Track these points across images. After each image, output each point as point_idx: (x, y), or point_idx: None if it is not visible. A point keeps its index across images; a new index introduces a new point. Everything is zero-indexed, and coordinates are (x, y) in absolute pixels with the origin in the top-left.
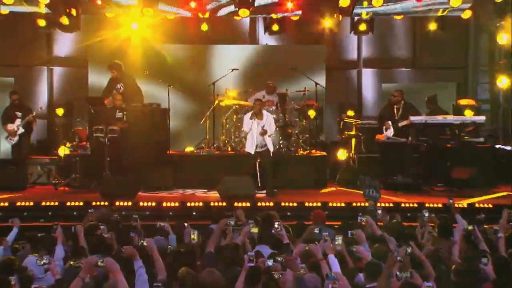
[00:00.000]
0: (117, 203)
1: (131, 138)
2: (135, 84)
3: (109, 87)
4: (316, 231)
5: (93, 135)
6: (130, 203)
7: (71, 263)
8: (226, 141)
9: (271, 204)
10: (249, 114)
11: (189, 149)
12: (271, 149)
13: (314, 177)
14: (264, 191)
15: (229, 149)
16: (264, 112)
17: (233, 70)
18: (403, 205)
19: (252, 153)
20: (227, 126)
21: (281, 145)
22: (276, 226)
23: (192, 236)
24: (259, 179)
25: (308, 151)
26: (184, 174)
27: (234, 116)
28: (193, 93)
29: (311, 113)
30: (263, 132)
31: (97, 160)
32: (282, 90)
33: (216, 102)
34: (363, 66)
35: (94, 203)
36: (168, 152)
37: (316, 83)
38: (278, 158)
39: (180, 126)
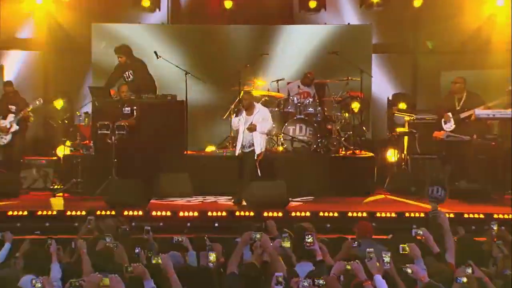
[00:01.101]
0: (125, 213)
1: (142, 136)
2: (147, 71)
3: (115, 75)
4: (355, 245)
5: (97, 132)
6: (141, 213)
7: (71, 281)
8: None
9: (307, 214)
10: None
11: (210, 149)
12: (258, 150)
13: (359, 182)
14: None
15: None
16: (258, 105)
17: (262, 55)
18: (466, 215)
19: (236, 154)
20: None
21: (319, 144)
22: (307, 239)
23: (210, 257)
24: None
25: (351, 151)
26: (205, 178)
27: None
28: (215, 83)
29: (355, 106)
30: (251, 128)
31: (103, 162)
32: (321, 79)
33: (242, 93)
34: (419, 50)
35: (98, 213)
36: (185, 152)
37: (361, 70)
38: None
39: (200, 121)
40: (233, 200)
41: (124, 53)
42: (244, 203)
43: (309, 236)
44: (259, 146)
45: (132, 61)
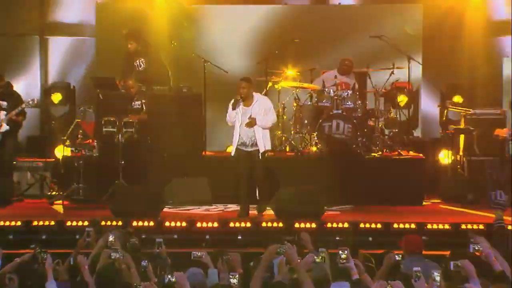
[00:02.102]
0: (134, 223)
1: (154, 135)
2: (160, 60)
3: (126, 65)
4: (398, 258)
5: (102, 130)
6: (152, 223)
7: None
8: (283, 139)
9: (346, 225)
10: (233, 100)
11: (231, 149)
12: (262, 148)
13: (406, 188)
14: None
15: (287, 149)
16: (257, 95)
17: (292, 40)
18: None
19: (233, 153)
20: (285, 117)
21: (359, 144)
22: (341, 255)
23: (232, 280)
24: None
25: (397, 152)
26: (226, 183)
27: (295, 104)
28: (238, 72)
29: (402, 99)
30: (250, 123)
31: (108, 165)
32: (361, 68)
33: (270, 84)
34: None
35: (103, 223)
36: (203, 153)
37: (410, 58)
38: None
39: (220, 117)
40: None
41: (135, 38)
42: (268, 211)
43: (343, 251)
44: (263, 144)
45: (144, 47)
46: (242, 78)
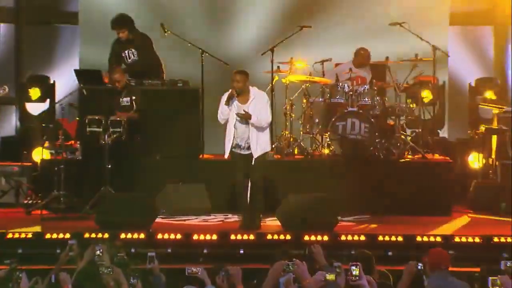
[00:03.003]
0: (122, 235)
1: (145, 135)
2: (153, 50)
3: (115, 56)
4: (420, 267)
5: (86, 130)
6: (143, 236)
7: None
8: (291, 140)
9: (362, 237)
10: (226, 94)
11: (225, 152)
12: (256, 151)
13: (431, 196)
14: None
15: (296, 151)
16: (253, 90)
17: (302, 28)
18: None
19: (226, 156)
20: (293, 116)
21: (378, 146)
22: (352, 271)
23: None
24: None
25: (420, 155)
26: (226, 190)
27: (304, 101)
28: (240, 65)
29: (426, 94)
30: (244, 115)
31: (92, 169)
32: (379, 59)
33: (276, 78)
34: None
35: (87, 235)
36: (201, 156)
37: (435, 48)
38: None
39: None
40: (239, 224)
41: (126, 26)
42: (273, 221)
43: (355, 267)
44: (256, 147)
45: (136, 36)
46: (237, 71)
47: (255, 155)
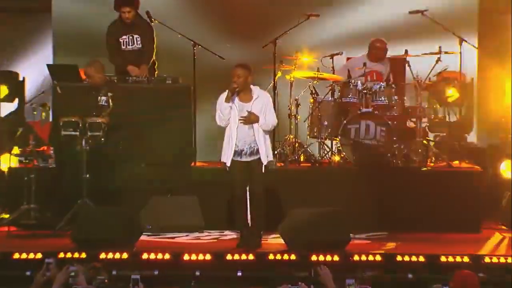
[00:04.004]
0: (103, 255)
1: (129, 140)
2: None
3: (112, 38)
4: None
5: (60, 134)
6: (125, 255)
7: None
8: (297, 145)
9: (378, 257)
10: (223, 94)
11: (224, 159)
12: (265, 158)
13: (458, 210)
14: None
15: (302, 158)
16: (256, 89)
17: (309, 16)
18: None
19: (228, 164)
20: (299, 117)
21: (396, 152)
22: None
23: None
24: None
25: (445, 163)
26: (222, 203)
27: (311, 100)
28: (238, 59)
29: (452, 93)
30: (247, 119)
31: (68, 179)
32: (398, 52)
33: (279, 74)
34: None
35: (62, 255)
36: (193, 164)
37: (462, 40)
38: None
39: (214, 117)
40: (237, 243)
41: (133, 5)
42: (276, 239)
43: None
44: (265, 152)
45: (140, 21)
46: (238, 64)
47: (265, 161)
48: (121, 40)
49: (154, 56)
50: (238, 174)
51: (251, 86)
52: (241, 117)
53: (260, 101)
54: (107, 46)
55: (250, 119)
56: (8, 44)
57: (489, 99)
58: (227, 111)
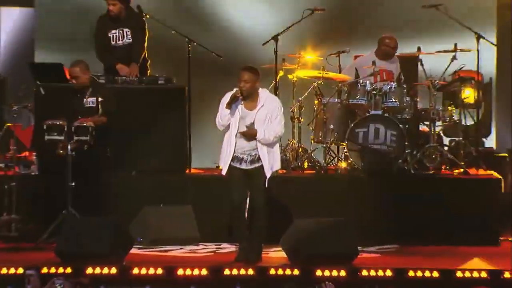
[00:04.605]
0: (89, 270)
1: (118, 145)
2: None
3: (100, 33)
4: None
5: (43, 138)
6: (114, 270)
7: None
8: (300, 151)
9: (388, 272)
10: (228, 94)
11: (222, 166)
12: (269, 168)
13: (474, 221)
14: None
15: (306, 165)
16: (264, 94)
17: (313, 11)
18: None
19: (224, 171)
20: (302, 120)
21: (408, 158)
22: None
23: None
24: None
25: (461, 170)
26: (219, 214)
27: (315, 102)
28: (236, 58)
29: (468, 94)
30: (247, 132)
31: (52, 187)
32: (409, 50)
33: (281, 74)
34: None
35: (45, 270)
36: (187, 171)
37: (479, 36)
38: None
39: (212, 120)
40: (236, 256)
41: None
42: (278, 252)
43: None
44: (268, 162)
45: (131, 15)
46: (245, 67)
47: (268, 173)
48: (110, 35)
49: (146, 53)
50: (236, 182)
51: (260, 90)
52: (240, 132)
53: (266, 109)
54: (95, 41)
55: (247, 134)
56: None
57: (508, 101)
58: (226, 118)
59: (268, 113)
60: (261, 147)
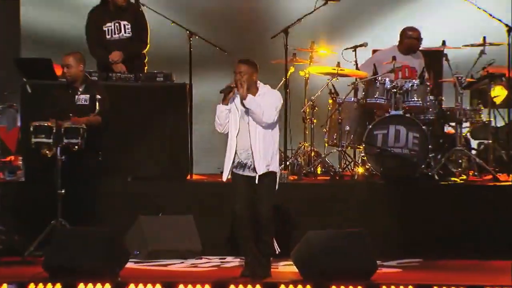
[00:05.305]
0: (80, 287)
1: (112, 148)
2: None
3: (93, 27)
4: None
5: (30, 141)
6: (108, 286)
7: None
8: (313, 155)
9: None
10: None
11: (224, 172)
12: (261, 168)
13: (505, 232)
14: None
15: (319, 170)
16: (264, 88)
17: (327, 1)
18: None
19: (225, 178)
20: (315, 121)
21: (432, 163)
22: None
23: None
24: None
25: (491, 176)
26: (223, 224)
27: (330, 101)
28: (242, 52)
29: (498, 92)
30: (240, 90)
31: (40, 195)
32: (434, 44)
33: (291, 70)
34: None
35: (32, 286)
36: (188, 177)
37: (510, 28)
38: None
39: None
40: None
41: None
42: (288, 267)
43: None
44: (261, 160)
45: (129, 5)
46: (241, 60)
47: (260, 171)
48: (105, 29)
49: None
50: (240, 189)
51: (259, 84)
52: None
53: (264, 97)
54: (87, 36)
55: (240, 91)
56: None
57: None
58: (223, 115)
59: (265, 100)
60: (254, 140)
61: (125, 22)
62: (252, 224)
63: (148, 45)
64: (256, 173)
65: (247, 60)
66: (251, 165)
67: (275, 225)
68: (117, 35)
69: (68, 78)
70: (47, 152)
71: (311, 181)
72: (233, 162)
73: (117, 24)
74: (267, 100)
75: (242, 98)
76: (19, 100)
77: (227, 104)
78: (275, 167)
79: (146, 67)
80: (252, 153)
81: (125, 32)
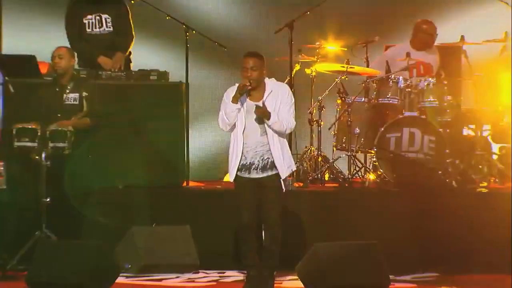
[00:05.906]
0: None
1: (102, 152)
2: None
3: (72, 20)
4: None
5: (13, 145)
6: None
7: None
8: (320, 159)
9: None
10: (232, 89)
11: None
12: (284, 171)
13: None
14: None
15: (327, 177)
16: (271, 83)
17: None
18: None
19: (232, 180)
20: (322, 123)
21: (449, 169)
22: None
23: None
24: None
25: None
26: (222, 235)
27: (338, 101)
28: (244, 49)
29: None
30: (260, 111)
31: (23, 204)
32: (451, 39)
33: (297, 67)
34: None
35: None
36: (183, 184)
37: None
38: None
39: (212, 122)
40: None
41: None
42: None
43: None
44: (283, 164)
45: None
46: (249, 53)
47: (285, 174)
48: (86, 21)
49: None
50: (246, 197)
51: (266, 80)
52: (256, 110)
53: (274, 96)
54: (66, 29)
55: (260, 112)
56: None
57: None
58: (233, 114)
59: (277, 101)
60: (273, 146)
61: (106, 16)
62: (258, 234)
63: (134, 39)
64: (264, 174)
65: (256, 53)
66: (259, 165)
67: (281, 235)
68: (97, 29)
69: (58, 70)
70: (33, 155)
71: (318, 189)
72: (239, 163)
73: (98, 17)
74: (281, 107)
75: (265, 118)
76: (0, 101)
77: (236, 103)
78: (292, 165)
79: (131, 64)
80: (272, 158)
81: (106, 27)
